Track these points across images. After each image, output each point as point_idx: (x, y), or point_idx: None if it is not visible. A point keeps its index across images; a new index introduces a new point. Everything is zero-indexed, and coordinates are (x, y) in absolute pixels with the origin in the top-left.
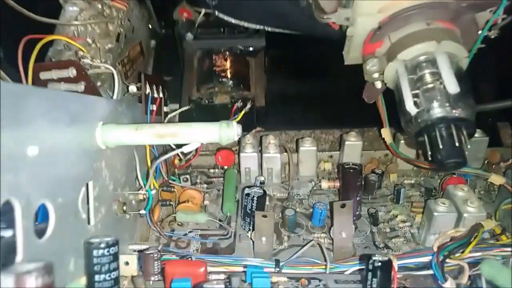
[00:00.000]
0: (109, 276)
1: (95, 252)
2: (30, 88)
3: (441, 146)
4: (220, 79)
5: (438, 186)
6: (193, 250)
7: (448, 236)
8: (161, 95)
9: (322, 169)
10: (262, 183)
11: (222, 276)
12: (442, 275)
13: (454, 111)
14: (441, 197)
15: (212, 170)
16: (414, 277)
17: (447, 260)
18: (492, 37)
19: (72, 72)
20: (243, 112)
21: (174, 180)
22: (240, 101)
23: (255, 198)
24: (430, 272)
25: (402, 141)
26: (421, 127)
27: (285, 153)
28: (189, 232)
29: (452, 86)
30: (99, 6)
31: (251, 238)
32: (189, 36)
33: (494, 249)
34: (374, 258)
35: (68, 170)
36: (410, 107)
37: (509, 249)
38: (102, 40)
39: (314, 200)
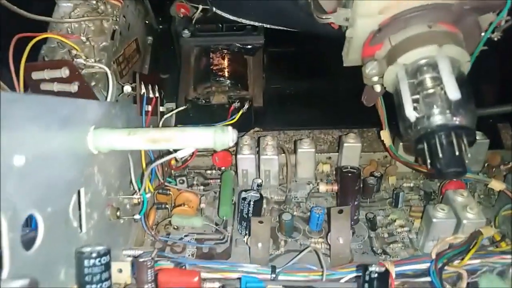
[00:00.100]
0: (101, 286)
1: (86, 262)
2: (15, 95)
3: (440, 155)
4: (217, 78)
5: (437, 189)
6: (189, 255)
7: (447, 242)
8: (157, 94)
9: (320, 171)
10: (259, 185)
11: (217, 284)
12: (440, 283)
13: (454, 118)
14: (440, 201)
15: (209, 171)
16: (412, 284)
17: (446, 267)
18: (495, 39)
19: (65, 72)
20: (240, 112)
21: (170, 182)
22: (237, 101)
23: (251, 202)
24: (428, 279)
25: (402, 144)
26: (420, 134)
27: (283, 154)
28: (185, 236)
29: (453, 93)
30: (94, 2)
31: (247, 243)
32: (186, 33)
33: (493, 256)
34: (371, 269)
35: (58, 177)
36: (410, 114)
37: (508, 256)
38: (96, 37)
39: (312, 203)
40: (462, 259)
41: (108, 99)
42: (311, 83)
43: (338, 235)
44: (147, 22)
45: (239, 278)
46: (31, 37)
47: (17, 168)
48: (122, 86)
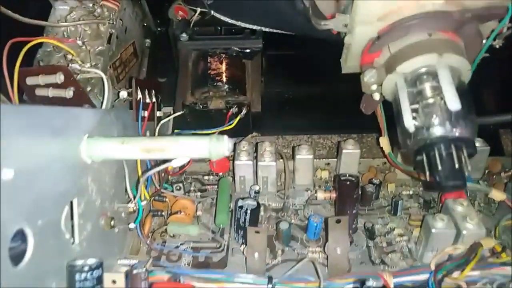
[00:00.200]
0: None
1: (77, 276)
2: (3, 107)
3: (440, 168)
4: (215, 83)
5: (437, 197)
6: (185, 264)
7: (446, 253)
8: (154, 99)
9: (319, 177)
10: (257, 192)
11: None
12: None
13: (454, 130)
14: (440, 210)
15: (206, 177)
16: None
17: (445, 279)
18: (497, 46)
19: (59, 77)
20: (238, 118)
21: (166, 188)
22: (235, 106)
23: (248, 211)
24: None
25: (400, 153)
26: (419, 146)
27: (281, 160)
28: (181, 244)
29: (453, 103)
30: (90, 5)
31: (243, 253)
32: (184, 36)
33: (493, 268)
34: (368, 284)
35: (50, 189)
36: (409, 124)
37: (509, 268)
38: (92, 41)
39: (310, 210)
40: (462, 270)
41: (104, 105)
42: (310, 87)
43: (335, 245)
44: (145, 24)
45: None
46: (26, 42)
47: (5, 182)
48: (118, 92)
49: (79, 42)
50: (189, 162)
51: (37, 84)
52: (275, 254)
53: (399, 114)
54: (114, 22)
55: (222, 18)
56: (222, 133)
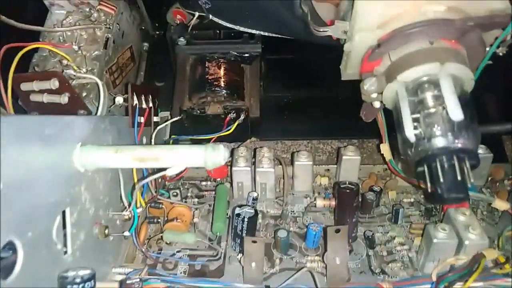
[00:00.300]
0: None
1: None
2: None
3: (441, 180)
4: (213, 88)
5: (438, 205)
6: (180, 272)
7: (448, 263)
8: (150, 104)
9: (318, 184)
10: (255, 199)
11: None
12: None
13: (457, 141)
14: (442, 218)
15: (204, 183)
16: None
17: None
18: (501, 54)
19: (54, 84)
20: (236, 123)
21: (163, 194)
22: (233, 112)
23: (245, 219)
24: None
25: (400, 163)
26: (420, 157)
27: (279, 166)
28: (177, 252)
29: (456, 113)
30: (87, 9)
31: (240, 262)
32: (182, 41)
33: (496, 279)
34: None
35: (41, 199)
36: (410, 134)
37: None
38: (88, 46)
39: (309, 218)
40: (465, 282)
41: (99, 111)
42: (309, 91)
43: (334, 255)
44: (143, 28)
45: None
46: (22, 47)
47: None
48: (114, 97)
49: (75, 47)
50: (185, 169)
51: (32, 90)
52: (273, 263)
53: (399, 123)
54: (111, 27)
55: (220, 22)
56: (220, 138)
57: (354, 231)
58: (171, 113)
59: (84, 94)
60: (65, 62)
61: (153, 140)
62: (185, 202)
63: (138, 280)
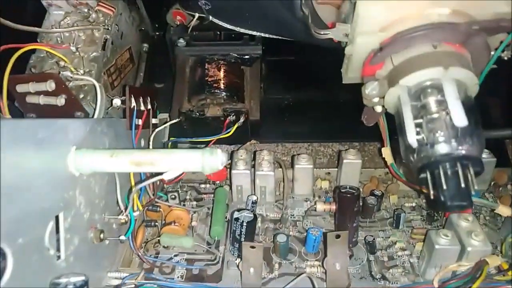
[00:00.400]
0: None
1: None
2: None
3: (445, 187)
4: (213, 90)
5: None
6: (178, 277)
7: (450, 270)
8: (149, 107)
9: (318, 187)
10: (254, 203)
11: None
12: None
13: (460, 147)
14: (444, 223)
15: (203, 185)
16: None
17: None
18: (506, 58)
19: (50, 85)
20: (235, 126)
21: (161, 197)
22: (233, 114)
23: (244, 224)
24: None
25: (402, 168)
26: (423, 164)
27: (280, 169)
28: (175, 255)
29: (460, 119)
30: (85, 10)
31: (238, 267)
32: (181, 42)
33: (499, 286)
34: None
35: (33, 204)
36: (412, 140)
37: None
38: (86, 47)
39: (309, 222)
40: None
41: (96, 113)
42: (310, 93)
43: (334, 261)
44: (143, 28)
45: None
46: (19, 48)
47: None
48: (112, 99)
49: (73, 48)
50: (183, 172)
51: (28, 91)
52: (272, 268)
53: (401, 128)
54: (109, 28)
55: (221, 23)
56: (219, 141)
57: (355, 235)
58: (170, 115)
59: (81, 96)
60: (62, 63)
61: (151, 143)
62: (184, 205)
63: (133, 286)
